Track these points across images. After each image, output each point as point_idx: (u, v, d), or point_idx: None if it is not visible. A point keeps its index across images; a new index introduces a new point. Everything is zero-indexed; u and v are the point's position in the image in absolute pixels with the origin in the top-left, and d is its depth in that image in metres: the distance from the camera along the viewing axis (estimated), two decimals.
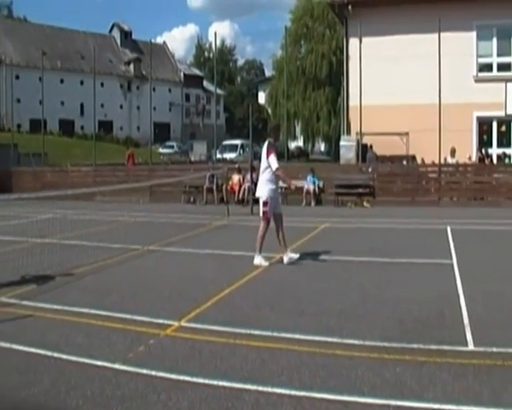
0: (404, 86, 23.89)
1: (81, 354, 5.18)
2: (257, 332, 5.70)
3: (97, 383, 4.56)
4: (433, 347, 5.21)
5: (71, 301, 7.01)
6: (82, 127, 62.30)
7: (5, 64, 54.90)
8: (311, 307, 6.65)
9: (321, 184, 20.36)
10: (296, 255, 9.52)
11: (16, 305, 7.02)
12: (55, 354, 5.21)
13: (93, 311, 6.57)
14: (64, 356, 5.17)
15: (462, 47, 23.10)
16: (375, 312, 6.45)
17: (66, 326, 6.08)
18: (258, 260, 9.26)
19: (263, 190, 9.41)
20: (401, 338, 5.45)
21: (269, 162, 9.23)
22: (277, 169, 9.24)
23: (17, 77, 53.27)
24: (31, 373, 4.82)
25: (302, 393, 4.29)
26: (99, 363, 4.97)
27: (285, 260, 9.38)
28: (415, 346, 5.24)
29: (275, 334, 5.65)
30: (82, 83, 63.99)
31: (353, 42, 25.72)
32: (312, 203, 19.80)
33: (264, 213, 9.42)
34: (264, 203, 9.38)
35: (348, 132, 26.36)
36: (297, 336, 5.58)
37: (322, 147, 55.34)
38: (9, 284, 8.11)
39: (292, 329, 5.79)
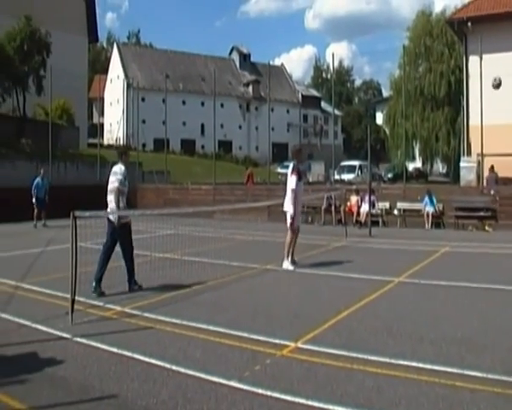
0: None
1: (198, 369, 5.26)
2: (374, 358, 5.53)
3: (213, 398, 4.60)
4: None
5: (189, 316, 7.16)
6: (202, 147, 64.37)
7: (132, 87, 57.91)
8: (431, 334, 6.37)
9: (440, 207, 19.61)
10: (291, 268, 10.84)
11: (138, 316, 7.30)
12: (174, 367, 5.33)
13: (211, 327, 6.66)
14: (182, 370, 5.27)
15: None
16: (498, 342, 6.05)
17: (184, 340, 6.22)
18: (286, 264, 10.89)
19: (290, 205, 10.91)
20: None
21: (289, 181, 10.90)
22: (292, 190, 10.87)
23: (143, 99, 55.95)
24: (150, 383, 4.96)
25: None
26: (215, 379, 5.01)
27: (284, 265, 10.89)
28: None
29: (392, 361, 5.45)
30: (203, 104, 66.40)
31: (473, 59, 24.96)
32: (427, 225, 19.15)
33: (291, 224, 10.96)
34: (291, 216, 10.93)
35: (468, 153, 25.43)
36: (415, 363, 5.34)
37: (441, 168, 53.56)
38: (132, 296, 8.45)
39: (410, 356, 5.56)
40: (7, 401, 4.64)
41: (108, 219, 8.82)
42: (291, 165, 11.33)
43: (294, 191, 10.90)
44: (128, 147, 10.11)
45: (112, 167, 9.30)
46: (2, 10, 32.71)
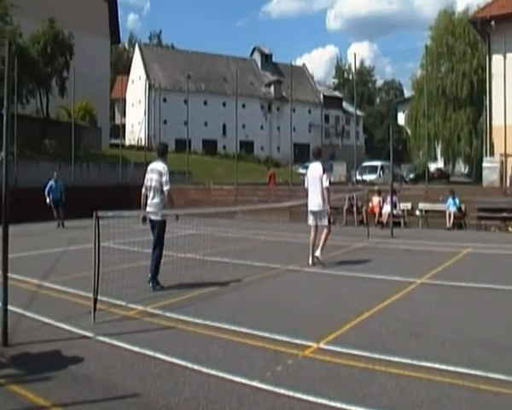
0: None
1: (220, 369, 5.26)
2: (396, 359, 5.49)
3: (235, 399, 4.60)
4: None
5: (211, 316, 7.17)
6: (224, 147, 64.48)
7: (154, 88, 58.22)
8: (453, 336, 6.30)
9: (463, 207, 19.39)
10: (320, 257, 11.16)
11: (160, 316, 7.33)
12: (196, 367, 5.34)
13: (233, 327, 6.67)
14: (204, 369, 5.28)
15: None
16: None
17: (206, 340, 6.22)
18: (319, 252, 11.15)
19: (323, 204, 11.20)
20: None
21: (322, 179, 11.14)
22: (327, 189, 11.20)
23: (164, 100, 56.19)
24: (172, 382, 4.98)
25: None
26: (237, 379, 5.01)
27: (317, 253, 11.19)
28: None
29: (415, 362, 5.40)
30: (224, 104, 66.53)
31: (497, 59, 24.71)
32: (448, 224, 18.92)
33: (329, 221, 11.37)
34: (328, 213, 11.35)
35: (491, 153, 25.16)
36: (438, 365, 5.28)
37: (463, 168, 53.03)
38: (154, 296, 8.49)
39: (433, 358, 5.49)
40: (32, 397, 4.70)
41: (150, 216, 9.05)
42: (316, 164, 11.54)
43: (329, 190, 11.26)
44: (167, 145, 10.31)
45: (147, 165, 9.53)
46: (27, 13, 33.05)
